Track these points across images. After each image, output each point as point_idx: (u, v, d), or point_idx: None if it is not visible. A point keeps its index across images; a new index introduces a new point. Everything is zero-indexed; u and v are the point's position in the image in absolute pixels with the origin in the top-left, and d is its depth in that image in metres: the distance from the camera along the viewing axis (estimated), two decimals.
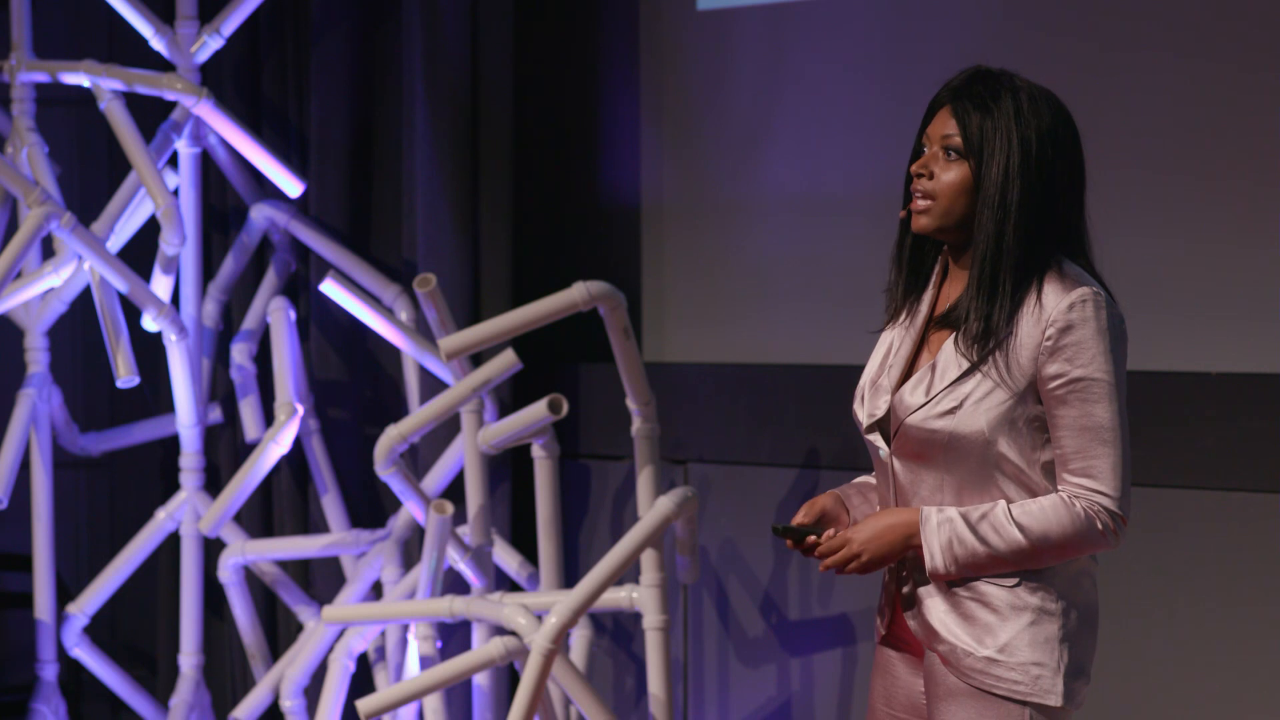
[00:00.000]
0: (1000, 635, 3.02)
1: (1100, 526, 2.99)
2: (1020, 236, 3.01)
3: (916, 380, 3.08)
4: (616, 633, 5.61)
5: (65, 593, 5.90)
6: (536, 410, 4.98)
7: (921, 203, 3.08)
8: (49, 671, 5.70)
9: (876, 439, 3.15)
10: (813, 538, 3.09)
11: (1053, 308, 2.99)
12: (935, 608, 3.07)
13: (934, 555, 3.02)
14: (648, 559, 4.94)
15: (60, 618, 5.72)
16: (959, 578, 3.04)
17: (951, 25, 5.06)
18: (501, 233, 5.63)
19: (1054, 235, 3.04)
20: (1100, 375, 2.98)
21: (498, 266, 5.62)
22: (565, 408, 4.96)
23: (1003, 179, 3.01)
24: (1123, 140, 4.80)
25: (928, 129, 3.10)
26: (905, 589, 3.12)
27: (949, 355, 3.06)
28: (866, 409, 3.17)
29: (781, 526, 3.09)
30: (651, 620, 4.94)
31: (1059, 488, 3.02)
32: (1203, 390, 4.58)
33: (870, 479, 3.28)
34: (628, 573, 4.97)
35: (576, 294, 4.92)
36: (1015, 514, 2.99)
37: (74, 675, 6.05)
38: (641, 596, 4.97)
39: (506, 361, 5.01)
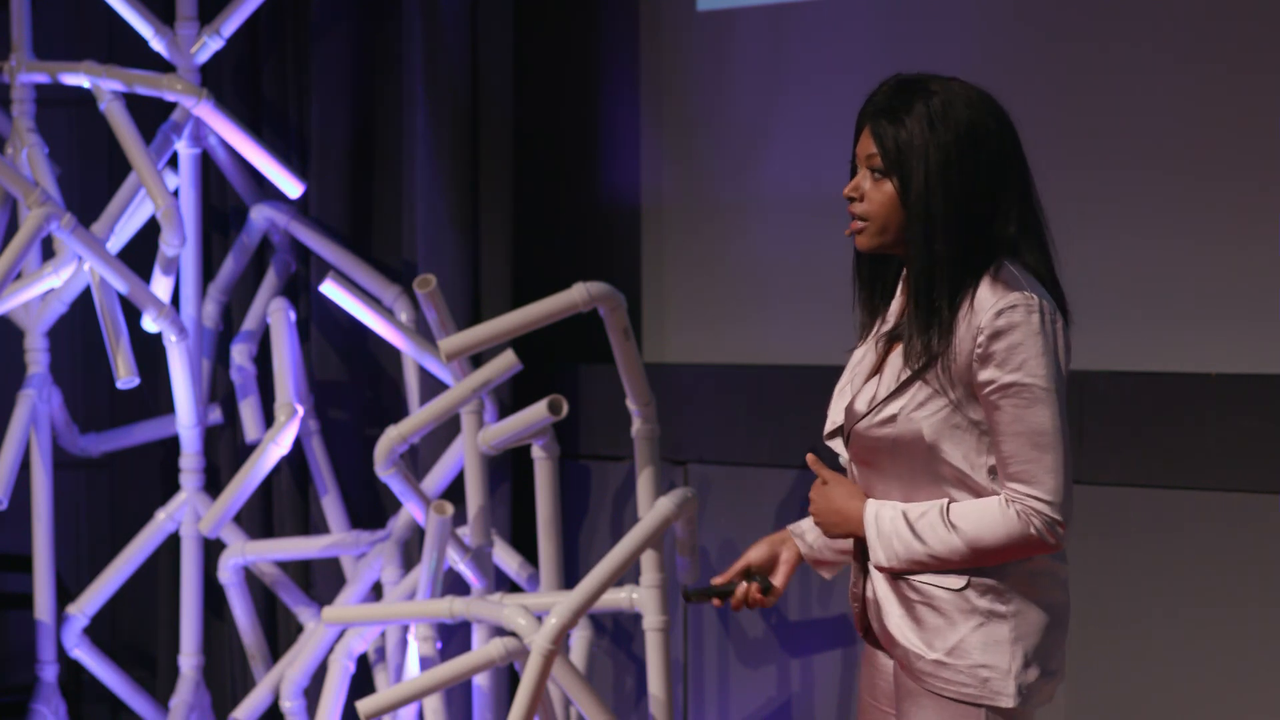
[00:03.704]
0: (949, 638, 3.04)
1: (1033, 531, 2.99)
2: (951, 245, 3.00)
3: (866, 389, 3.13)
4: (616, 633, 5.61)
5: (65, 593, 5.90)
6: (536, 411, 4.98)
7: (858, 224, 3.10)
8: (49, 672, 5.70)
9: (836, 445, 3.21)
10: (717, 601, 3.22)
11: (982, 314, 2.99)
12: (891, 612, 3.10)
13: (876, 550, 3.07)
14: (648, 560, 4.94)
15: (60, 618, 5.72)
16: (904, 572, 3.07)
17: (951, 26, 5.06)
18: (501, 233, 5.63)
19: (989, 238, 3.03)
20: (1032, 380, 2.97)
21: (498, 267, 5.62)
22: (565, 408, 4.96)
23: (924, 190, 3.00)
24: (1123, 140, 4.80)
25: (855, 149, 3.12)
26: (868, 593, 3.15)
27: (894, 366, 3.09)
28: (830, 416, 3.22)
29: (690, 590, 3.22)
30: (651, 621, 4.94)
31: (1001, 491, 3.04)
32: (1203, 391, 4.57)
33: None
34: (628, 573, 4.97)
35: (576, 294, 4.92)
36: (951, 515, 3.02)
37: (74, 676, 6.05)
38: (641, 597, 4.97)
39: (506, 362, 5.01)
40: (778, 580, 3.25)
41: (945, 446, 3.03)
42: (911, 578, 3.06)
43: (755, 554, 3.26)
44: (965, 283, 3.01)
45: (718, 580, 3.22)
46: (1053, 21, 4.92)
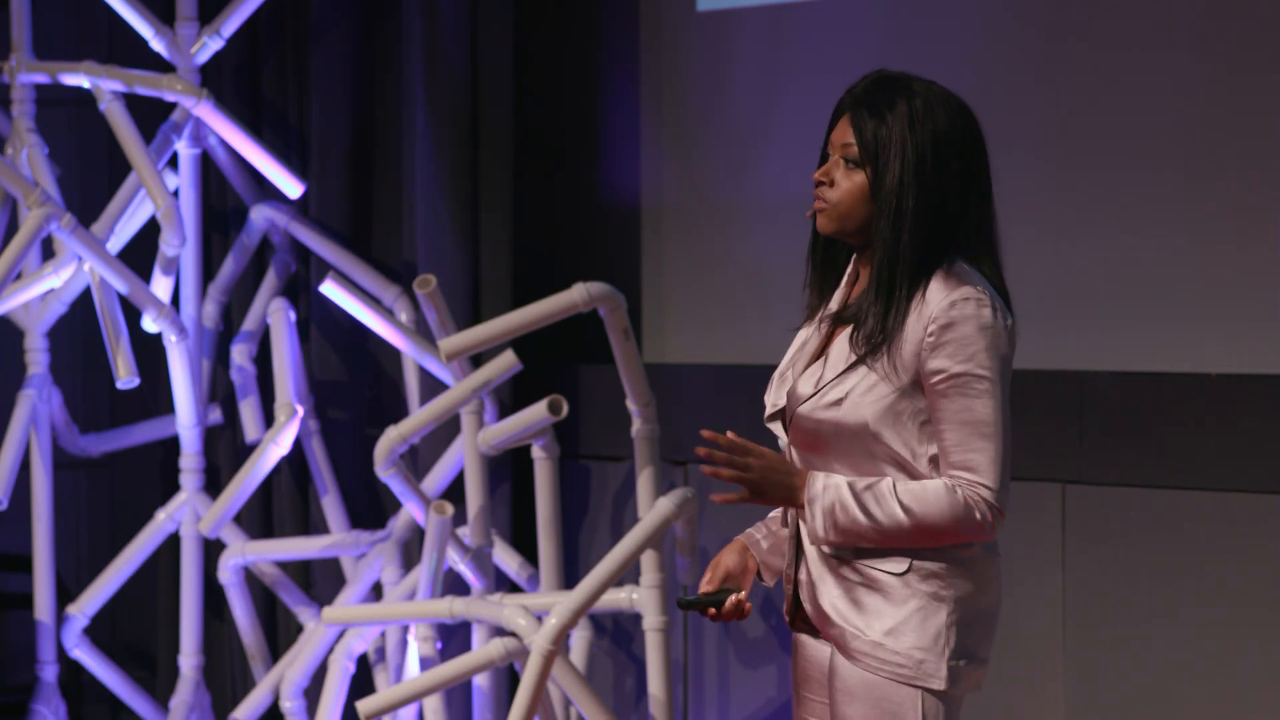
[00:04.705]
0: (887, 620, 3.09)
1: (979, 516, 3.04)
2: (916, 241, 3.08)
3: (810, 373, 3.17)
4: (616, 634, 5.61)
5: (65, 593, 5.90)
6: (536, 411, 4.98)
7: (821, 204, 3.18)
8: (49, 672, 5.70)
9: (777, 428, 3.24)
10: (713, 611, 3.20)
11: (934, 305, 3.06)
12: (828, 593, 3.13)
13: (815, 518, 3.08)
14: (648, 560, 4.94)
15: (60, 618, 5.72)
16: (839, 544, 3.09)
17: (951, 26, 5.06)
18: (501, 233, 5.63)
19: (950, 238, 3.10)
20: (980, 371, 3.04)
21: (498, 267, 5.62)
22: (565, 409, 4.96)
23: (898, 186, 3.08)
24: (1122, 140, 4.80)
25: (831, 135, 3.18)
26: (801, 575, 3.18)
27: (840, 349, 3.14)
28: (771, 399, 3.25)
29: (686, 600, 3.20)
30: (651, 621, 4.95)
31: (943, 478, 3.08)
32: (1203, 391, 4.58)
33: (779, 511, 3.35)
34: (628, 573, 4.97)
35: (576, 295, 4.92)
36: (899, 491, 3.05)
37: (74, 676, 6.04)
38: (641, 597, 4.97)
39: (506, 362, 5.01)
40: (745, 588, 3.28)
41: (887, 434, 3.08)
42: (855, 560, 3.10)
43: (732, 561, 3.28)
44: (922, 277, 3.08)
45: (707, 588, 3.23)
46: (1052, 21, 4.92)
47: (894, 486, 3.05)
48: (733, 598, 3.21)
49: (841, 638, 3.11)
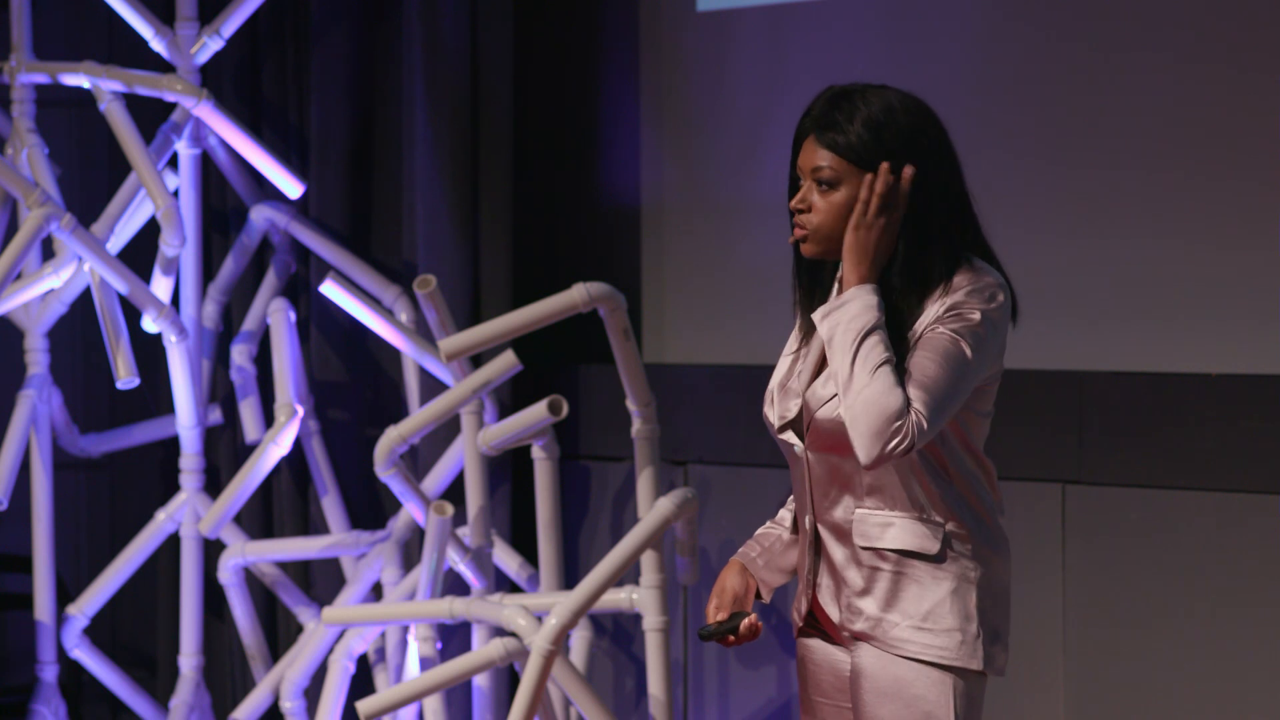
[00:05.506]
0: (923, 604, 3.10)
1: (907, 429, 2.98)
2: (915, 250, 3.08)
3: (826, 376, 3.15)
4: (617, 634, 5.61)
5: (65, 594, 5.90)
6: (536, 411, 4.98)
7: (801, 231, 3.15)
8: (49, 673, 5.70)
9: (790, 437, 3.22)
10: (731, 638, 3.23)
11: (956, 289, 3.07)
12: (855, 588, 3.13)
13: (840, 306, 3.05)
14: (648, 560, 4.94)
15: (60, 619, 5.72)
16: (819, 330, 3.08)
17: (951, 26, 5.06)
18: (501, 233, 5.63)
19: (948, 235, 3.09)
20: (962, 336, 3.03)
21: (498, 267, 5.62)
22: (565, 409, 4.96)
23: None
24: (1122, 141, 4.80)
25: (798, 161, 3.16)
26: (822, 579, 3.18)
27: None
28: (778, 410, 3.23)
29: (708, 630, 3.22)
30: (651, 621, 4.95)
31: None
32: (1203, 391, 4.58)
33: (771, 526, 3.36)
34: (628, 574, 4.97)
35: (576, 295, 4.92)
36: (883, 365, 3.00)
37: (74, 676, 6.05)
38: (642, 598, 4.97)
39: (506, 363, 5.01)
40: (749, 607, 3.30)
41: None
42: (882, 548, 3.10)
43: (736, 584, 3.29)
44: (934, 283, 3.08)
45: (719, 616, 3.25)
46: (1052, 21, 4.92)
47: (888, 363, 3.01)
48: (746, 620, 3.22)
49: (877, 627, 3.12)
